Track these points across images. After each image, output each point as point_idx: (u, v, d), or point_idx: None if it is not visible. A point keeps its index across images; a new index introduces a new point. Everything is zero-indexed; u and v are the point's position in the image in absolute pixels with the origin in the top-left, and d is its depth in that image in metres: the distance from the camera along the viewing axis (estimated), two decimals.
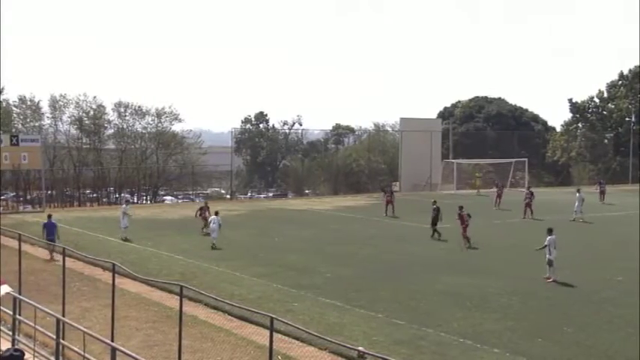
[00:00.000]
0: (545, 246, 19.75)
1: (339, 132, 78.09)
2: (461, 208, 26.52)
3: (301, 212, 37.52)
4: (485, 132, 75.85)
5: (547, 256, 19.69)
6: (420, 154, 54.11)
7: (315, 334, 10.75)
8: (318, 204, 43.08)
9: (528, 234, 27.93)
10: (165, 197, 58.91)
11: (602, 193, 43.27)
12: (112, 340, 11.90)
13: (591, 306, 16.65)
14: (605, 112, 73.65)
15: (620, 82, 73.65)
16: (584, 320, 15.31)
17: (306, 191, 61.45)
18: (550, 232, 20.09)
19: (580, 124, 74.83)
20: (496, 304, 16.80)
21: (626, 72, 73.28)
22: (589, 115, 74.05)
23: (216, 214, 26.19)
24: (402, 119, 59.58)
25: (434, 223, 28.08)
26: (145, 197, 57.28)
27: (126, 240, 26.22)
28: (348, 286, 18.89)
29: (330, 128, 78.41)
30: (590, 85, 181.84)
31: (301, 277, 19.97)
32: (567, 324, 14.95)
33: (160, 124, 59.55)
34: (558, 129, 78.79)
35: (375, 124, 77.38)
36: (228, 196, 56.54)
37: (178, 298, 11.26)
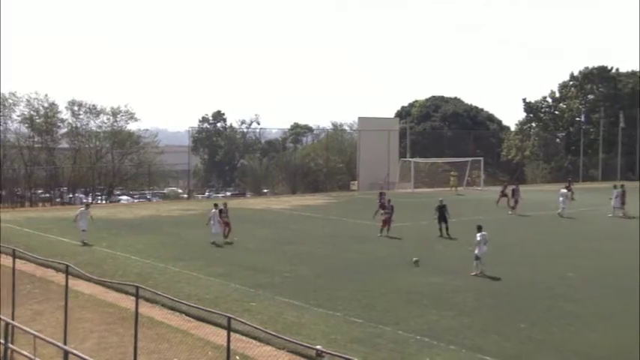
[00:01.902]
0: (479, 242, 20.22)
1: (298, 131, 78.17)
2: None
3: (259, 211, 37.40)
4: (442, 131, 76.85)
5: (475, 251, 20.21)
6: (378, 153, 54.53)
7: (273, 333, 10.75)
8: (277, 203, 43.01)
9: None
10: (120, 197, 57.99)
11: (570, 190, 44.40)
12: (65, 343, 11.68)
13: (544, 302, 17.01)
14: (557, 112, 75.59)
15: (571, 82, 75.63)
16: (537, 316, 15.64)
17: (265, 190, 61.30)
18: (479, 229, 20.58)
19: (533, 124, 76.58)
20: (452, 301, 17.04)
21: (576, 73, 75.26)
22: (542, 115, 75.92)
23: None
24: (360, 118, 59.93)
25: (442, 220, 28.00)
26: (99, 197, 56.26)
27: (85, 244, 25.24)
28: (306, 285, 18.91)
29: (289, 127, 78.47)
30: (544, 85, 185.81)
31: (259, 277, 19.91)
32: (521, 320, 15.25)
33: (115, 123, 58.59)
34: (513, 128, 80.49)
35: (333, 124, 77.81)
36: (185, 196, 56.00)
37: (134, 299, 11.11)
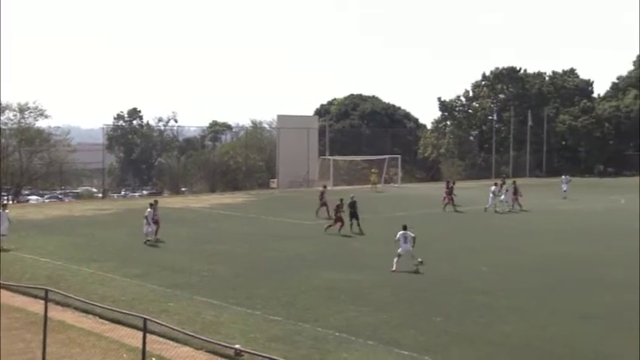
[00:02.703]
0: (397, 240, 20.79)
1: (216, 129, 77.26)
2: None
3: (177, 210, 36.74)
4: (361, 129, 77.86)
5: (398, 249, 20.72)
6: (298, 151, 54.66)
7: (191, 333, 10.58)
8: (195, 202, 42.40)
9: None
10: (29, 197, 55.58)
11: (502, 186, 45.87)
12: None
13: (459, 296, 17.51)
14: (470, 111, 78.18)
15: (483, 82, 78.40)
16: (452, 309, 16.08)
17: (183, 189, 60.28)
18: (404, 228, 21.02)
19: (448, 122, 78.81)
20: (370, 297, 17.27)
21: (488, 73, 78.07)
22: (456, 114, 78.28)
23: None
24: (279, 116, 59.87)
25: (354, 216, 28.48)
26: (6, 197, 53.71)
27: (5, 250, 23.41)
28: (225, 284, 18.73)
29: (207, 125, 77.44)
30: (459, 84, 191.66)
31: (177, 277, 19.57)
32: (437, 314, 15.63)
33: (22, 120, 56.04)
34: (429, 127, 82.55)
35: (252, 121, 77.30)
36: (100, 195, 54.33)
37: (44, 302, 10.66)
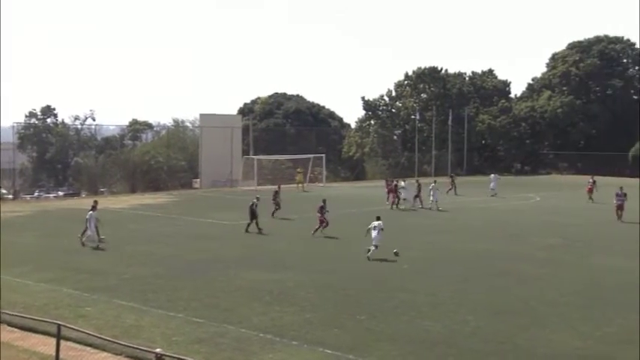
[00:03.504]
0: (369, 229, 22.91)
1: (137, 128, 75.63)
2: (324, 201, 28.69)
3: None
4: (285, 128, 77.98)
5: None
6: (221, 150, 54.19)
7: (109, 339, 10.32)
8: (115, 203, 41.33)
9: (339, 227, 29.12)
10: None
11: (453, 184, 46.82)
12: None
13: (381, 294, 17.80)
14: (394, 110, 79.48)
15: (406, 82, 79.90)
16: (376, 307, 16.33)
17: (102, 190, 58.62)
18: (378, 218, 23.06)
19: (372, 121, 79.83)
20: (294, 297, 17.32)
21: (410, 73, 79.59)
22: (380, 113, 79.43)
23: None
24: (201, 115, 59.24)
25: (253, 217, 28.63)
26: None
27: None
28: (146, 286, 18.35)
29: (127, 124, 75.71)
30: (382, 84, 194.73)
31: (95, 280, 19.03)
32: (360, 312, 15.84)
33: None
34: (353, 126, 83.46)
35: (174, 120, 76.18)
36: (10, 197, 52.10)
37: None
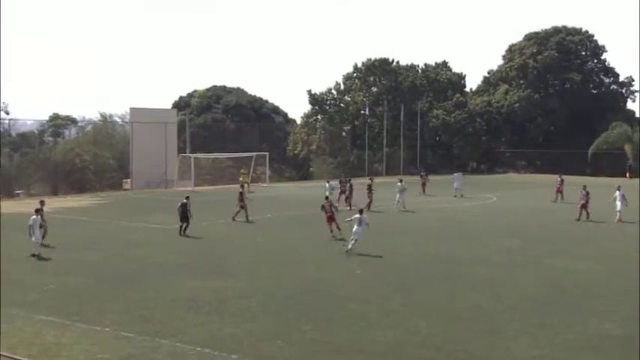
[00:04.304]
0: (352, 220, 24.09)
1: (58, 123, 73.91)
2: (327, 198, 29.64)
3: (12, 216, 34.76)
4: (224, 124, 77.58)
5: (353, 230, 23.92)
6: (154, 148, 53.54)
7: (23, 359, 10.02)
8: (33, 206, 40.20)
9: (284, 230, 29.13)
10: None
11: (424, 184, 47.18)
12: None
13: (330, 302, 17.85)
14: (342, 105, 79.66)
15: (355, 74, 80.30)
16: (322, 317, 16.36)
17: (18, 191, 56.99)
18: (361, 212, 24.40)
19: (319, 117, 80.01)
20: (235, 307, 17.22)
21: (359, 64, 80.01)
22: (327, 108, 79.51)
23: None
24: (132, 109, 58.40)
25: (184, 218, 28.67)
26: None
27: None
28: (69, 298, 17.95)
29: (47, 118, 73.93)
30: (330, 76, 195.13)
31: (12, 293, 18.48)
32: (306, 322, 15.85)
33: None
34: (299, 121, 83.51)
35: (101, 115, 74.62)
36: None
37: None
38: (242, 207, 32.77)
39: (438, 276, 21.21)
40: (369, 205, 36.50)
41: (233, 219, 32.58)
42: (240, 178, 51.73)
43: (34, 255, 23.65)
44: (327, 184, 39.97)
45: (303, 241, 27.59)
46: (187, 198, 29.39)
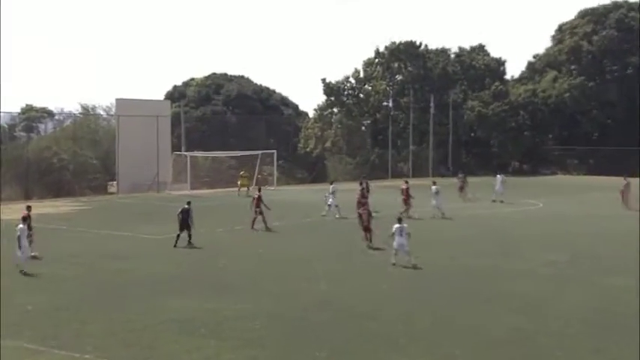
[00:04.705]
0: (393, 232, 24.66)
1: (32, 116, 74.42)
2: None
3: None
4: (226, 117, 77.77)
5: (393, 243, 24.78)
6: (144, 145, 53.79)
7: None
8: (3, 212, 40.56)
9: (294, 240, 29.09)
10: None
11: (462, 188, 47.24)
12: None
13: (348, 323, 17.80)
14: (362, 95, 79.06)
15: (377, 60, 79.81)
16: (340, 341, 16.32)
17: None
18: (399, 220, 25.24)
19: (335, 109, 79.60)
20: (236, 329, 17.23)
21: (382, 49, 79.70)
22: (345, 99, 78.97)
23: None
24: (118, 100, 58.72)
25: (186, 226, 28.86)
26: None
27: None
28: (45, 320, 18.04)
29: (19, 111, 74.46)
30: (348, 62, 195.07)
31: None
32: (320, 348, 15.81)
33: None
34: (311, 115, 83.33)
35: (82, 106, 75.08)
36: None
37: None
38: (260, 213, 32.84)
39: (472, 292, 21.12)
40: (407, 210, 36.85)
41: (252, 227, 32.65)
42: (240, 182, 51.51)
43: (22, 271, 23.81)
44: (330, 187, 39.39)
45: (315, 252, 27.56)
46: (189, 203, 29.44)
